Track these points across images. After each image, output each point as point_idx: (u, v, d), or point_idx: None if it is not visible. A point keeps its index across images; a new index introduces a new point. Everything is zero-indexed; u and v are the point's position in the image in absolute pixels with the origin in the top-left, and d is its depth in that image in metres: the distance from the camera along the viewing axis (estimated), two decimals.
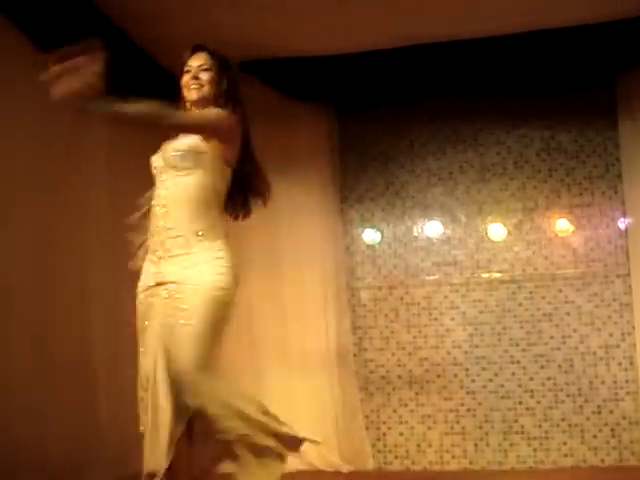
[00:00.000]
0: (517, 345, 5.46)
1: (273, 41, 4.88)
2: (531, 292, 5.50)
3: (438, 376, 5.53)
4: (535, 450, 5.32)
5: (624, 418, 5.24)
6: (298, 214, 5.63)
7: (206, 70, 3.08)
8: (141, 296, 2.98)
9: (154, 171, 3.06)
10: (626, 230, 5.43)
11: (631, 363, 5.28)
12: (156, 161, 3.06)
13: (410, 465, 5.47)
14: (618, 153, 5.49)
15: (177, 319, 2.77)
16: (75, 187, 4.54)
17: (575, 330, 5.40)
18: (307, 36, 4.82)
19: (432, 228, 5.74)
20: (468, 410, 5.46)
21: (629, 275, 5.35)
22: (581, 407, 5.31)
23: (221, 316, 2.89)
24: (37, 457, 3.85)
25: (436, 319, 5.60)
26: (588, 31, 4.75)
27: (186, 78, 3.08)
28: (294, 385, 5.39)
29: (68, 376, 4.22)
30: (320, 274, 5.58)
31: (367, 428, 5.51)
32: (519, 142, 5.68)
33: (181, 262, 2.86)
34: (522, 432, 5.36)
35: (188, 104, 3.10)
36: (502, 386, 5.44)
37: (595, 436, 5.27)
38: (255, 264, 5.59)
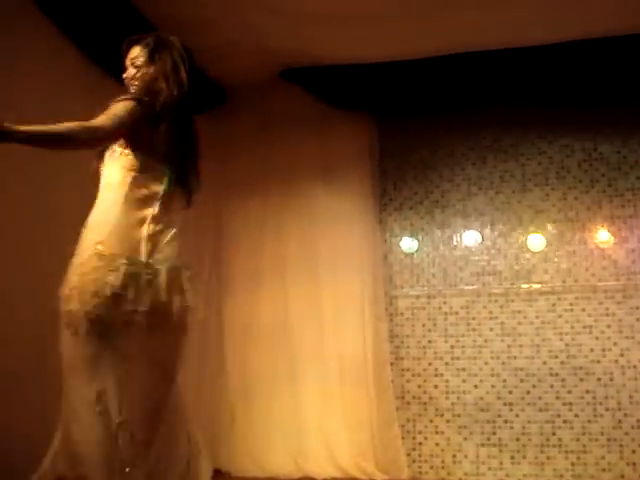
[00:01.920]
0: (556, 357, 5.41)
1: (315, 49, 4.91)
2: (571, 304, 5.45)
3: (475, 387, 5.50)
4: (573, 464, 5.26)
5: None
6: (337, 222, 5.64)
7: (136, 67, 2.89)
8: None
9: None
10: None
11: None
12: None
13: (445, 476, 5.44)
14: None
15: None
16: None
17: (615, 343, 5.33)
18: (349, 44, 4.84)
19: (471, 237, 5.71)
20: (505, 422, 5.42)
21: None
22: (620, 421, 5.24)
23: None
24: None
25: (474, 329, 5.57)
26: (632, 41, 4.71)
27: (123, 76, 2.94)
28: (331, 393, 5.40)
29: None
30: (358, 282, 5.58)
31: (403, 437, 5.48)
32: (561, 152, 5.64)
33: None
34: (560, 445, 5.31)
35: None
36: (540, 398, 5.38)
37: (634, 451, 5.19)
38: (293, 271, 5.63)
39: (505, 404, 5.43)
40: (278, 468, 5.40)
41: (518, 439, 5.37)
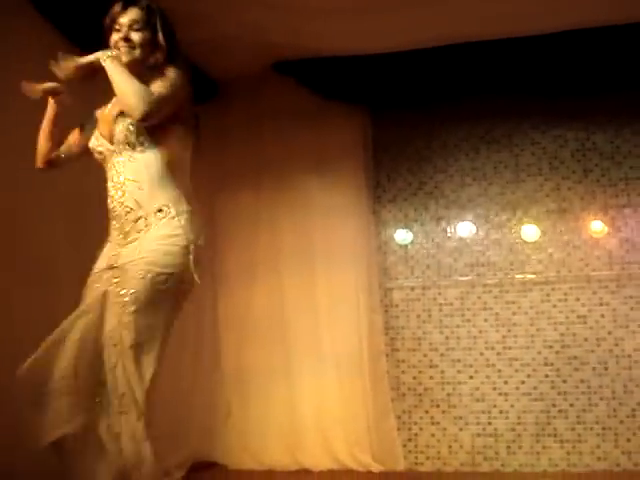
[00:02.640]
0: (551, 347, 5.42)
1: (308, 41, 4.90)
2: (565, 294, 5.46)
3: (470, 377, 5.52)
4: (568, 453, 5.29)
5: None
6: (331, 214, 5.64)
7: (138, 30, 2.81)
8: (90, 278, 2.82)
9: (99, 156, 2.89)
10: None
11: None
12: (100, 146, 2.88)
13: (441, 466, 5.45)
14: None
15: (118, 305, 2.64)
16: None
17: (610, 332, 5.35)
18: (341, 37, 4.83)
19: (465, 229, 5.71)
20: (500, 412, 5.43)
21: None
22: (615, 410, 5.26)
23: (163, 303, 2.69)
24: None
25: (469, 320, 5.58)
26: (625, 31, 4.72)
27: (115, 38, 2.82)
28: (326, 385, 5.41)
29: None
30: (353, 274, 5.58)
31: (399, 429, 5.50)
32: (554, 142, 5.64)
33: (131, 248, 2.71)
34: (555, 435, 5.33)
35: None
36: (535, 388, 5.40)
37: (629, 439, 5.22)
38: (288, 265, 5.63)
39: (500, 394, 5.45)
40: (274, 461, 5.41)
41: (514, 429, 5.39)
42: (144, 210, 2.71)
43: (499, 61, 5.12)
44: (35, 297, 3.85)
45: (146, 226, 2.70)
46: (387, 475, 5.23)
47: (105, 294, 2.70)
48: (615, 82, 5.38)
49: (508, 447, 5.38)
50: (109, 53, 2.72)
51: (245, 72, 5.51)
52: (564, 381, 5.37)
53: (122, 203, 2.74)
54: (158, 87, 2.70)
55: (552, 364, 5.40)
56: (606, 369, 5.31)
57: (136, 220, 2.71)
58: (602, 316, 5.38)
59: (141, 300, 2.62)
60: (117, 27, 2.82)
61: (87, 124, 2.99)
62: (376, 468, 5.24)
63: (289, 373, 5.51)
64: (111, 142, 2.82)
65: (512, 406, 5.42)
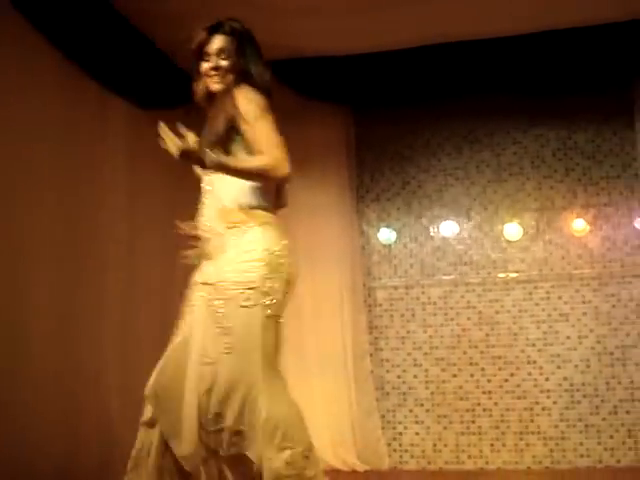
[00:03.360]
0: (533, 345, 5.46)
1: (290, 41, 4.89)
2: (548, 292, 5.50)
3: (454, 376, 5.54)
4: (551, 450, 5.32)
5: None
6: (315, 214, 5.64)
7: (226, 58, 2.80)
8: (189, 290, 2.82)
9: (197, 176, 2.93)
10: None
11: None
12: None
13: (426, 465, 5.48)
14: (635, 153, 5.47)
15: (214, 328, 2.62)
16: (95, 190, 4.59)
17: (592, 330, 5.39)
18: (324, 37, 4.83)
19: (448, 228, 5.74)
20: (484, 410, 5.46)
21: None
22: (597, 407, 5.30)
23: (258, 322, 2.65)
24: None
25: (452, 319, 5.60)
26: (606, 31, 4.75)
27: (205, 66, 2.82)
28: (310, 385, 5.41)
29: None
30: (336, 274, 5.59)
31: (383, 427, 5.52)
32: (536, 142, 5.68)
33: (218, 261, 2.69)
34: (538, 432, 5.36)
35: (206, 90, 2.88)
36: (518, 386, 5.43)
37: (611, 436, 5.26)
38: None
39: (484, 392, 5.47)
40: None
41: (497, 427, 5.42)
42: (219, 228, 2.71)
43: (481, 61, 5.14)
44: None
45: (223, 243, 2.69)
46: (372, 474, 5.24)
47: (199, 309, 2.71)
48: (596, 82, 5.43)
49: (492, 445, 5.41)
50: (210, 157, 2.63)
51: None
52: (547, 379, 5.40)
53: (204, 222, 2.78)
54: (267, 129, 2.75)
55: (535, 362, 5.43)
56: (588, 367, 5.35)
57: (214, 237, 2.71)
58: (584, 314, 5.42)
59: (238, 330, 2.60)
60: (205, 57, 2.81)
61: None
62: (361, 467, 5.25)
63: None
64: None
65: (496, 404, 5.44)
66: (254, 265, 2.64)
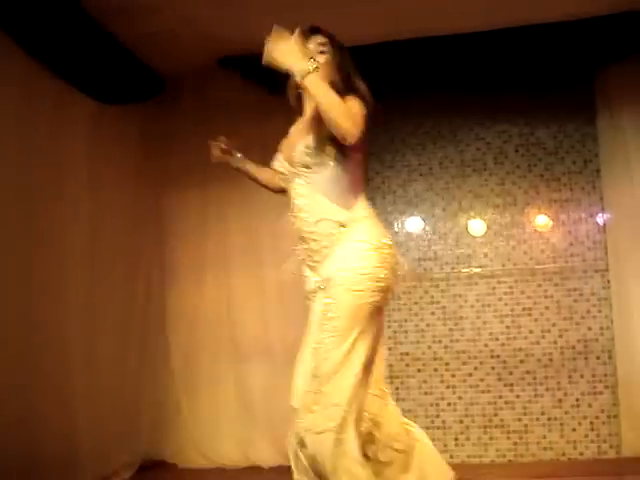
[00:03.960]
0: (497, 339, 5.50)
1: (252, 36, 4.86)
2: (511, 287, 5.54)
3: (419, 371, 5.56)
4: (515, 444, 5.37)
5: (602, 411, 5.29)
6: (278, 209, 5.58)
7: (323, 53, 2.95)
8: (307, 302, 2.99)
9: (282, 177, 3.03)
10: (604, 225, 5.47)
11: (609, 357, 5.32)
12: (282, 168, 3.01)
13: None
14: (597, 149, 5.52)
15: (327, 326, 2.72)
16: (53, 185, 4.54)
17: (554, 324, 5.44)
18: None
19: (412, 223, 5.76)
20: (448, 404, 5.49)
21: (607, 270, 5.40)
22: (560, 401, 5.36)
23: (365, 307, 2.72)
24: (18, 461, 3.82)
25: (416, 314, 5.62)
26: (568, 28, 4.79)
27: (311, 46, 2.92)
28: (276, 382, 5.39)
29: (46, 378, 4.18)
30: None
31: None
32: (499, 138, 5.71)
33: (329, 262, 2.79)
34: (502, 426, 5.40)
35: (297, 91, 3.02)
36: (482, 380, 5.47)
37: (574, 429, 5.31)
38: (236, 262, 5.61)
39: (448, 387, 5.50)
40: (225, 458, 5.40)
41: (461, 421, 5.45)
42: (327, 228, 2.80)
43: (444, 57, 5.16)
44: None
45: (332, 242, 2.78)
46: None
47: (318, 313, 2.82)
48: (558, 78, 5.47)
49: (456, 439, 5.44)
50: (310, 66, 2.67)
51: (191, 67, 5.46)
52: (510, 373, 5.44)
53: (305, 223, 2.84)
54: (357, 108, 2.84)
55: (498, 356, 5.47)
56: (551, 360, 5.41)
57: (322, 238, 2.80)
58: (546, 308, 5.47)
59: (345, 313, 2.68)
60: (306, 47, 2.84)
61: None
62: None
63: (239, 370, 5.49)
64: (291, 164, 2.92)
65: (460, 398, 5.48)
66: (364, 255, 2.75)
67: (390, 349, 5.60)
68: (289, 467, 2.90)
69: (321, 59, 2.87)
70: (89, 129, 4.89)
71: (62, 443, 4.33)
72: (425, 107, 5.74)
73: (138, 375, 5.42)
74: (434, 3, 4.47)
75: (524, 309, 5.49)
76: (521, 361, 5.44)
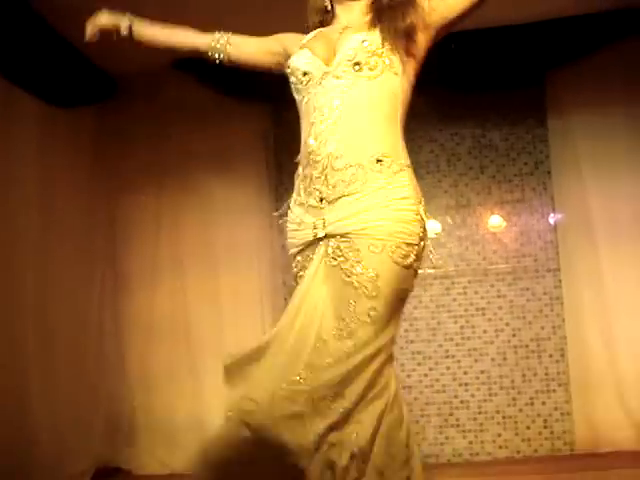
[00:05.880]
0: (451, 340, 5.54)
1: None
2: (464, 287, 5.58)
3: None
4: (470, 442, 5.41)
5: (556, 409, 5.36)
6: (234, 214, 5.60)
7: None
8: (298, 258, 2.25)
9: (299, 79, 2.33)
10: (555, 225, 5.55)
11: (562, 355, 5.40)
12: (309, 65, 2.26)
13: None
14: (547, 150, 5.59)
15: (356, 290, 2.07)
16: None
17: (507, 324, 5.50)
18: (241, 32, 4.80)
19: None
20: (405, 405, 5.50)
21: (559, 269, 5.47)
22: (514, 399, 5.42)
23: (408, 286, 2.16)
24: None
25: None
26: (519, 30, 4.86)
27: None
28: None
29: None
30: (256, 274, 5.58)
31: None
32: (451, 140, 5.75)
33: (353, 205, 2.10)
34: (457, 425, 5.44)
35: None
36: (437, 380, 5.51)
37: (528, 427, 5.38)
38: (191, 265, 5.58)
39: (404, 387, 5.52)
40: (181, 465, 5.34)
41: (417, 421, 5.47)
42: (359, 157, 2.12)
43: None
44: None
45: (363, 180, 2.11)
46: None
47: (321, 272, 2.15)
48: (509, 80, 5.52)
49: None
50: None
51: (145, 69, 5.39)
52: (465, 372, 5.49)
53: (329, 140, 2.17)
54: None
55: (453, 356, 5.51)
56: (505, 359, 5.46)
57: (346, 168, 2.13)
58: (500, 308, 5.52)
59: (389, 297, 2.13)
60: None
61: (288, 42, 2.50)
62: None
63: (195, 374, 5.45)
64: (327, 63, 2.22)
65: (415, 399, 5.50)
66: (412, 217, 2.12)
67: None
68: None
69: None
70: (39, 132, 4.82)
71: (15, 450, 4.26)
72: None
73: (93, 381, 5.36)
74: None
75: (478, 309, 5.54)
76: (475, 360, 5.49)
